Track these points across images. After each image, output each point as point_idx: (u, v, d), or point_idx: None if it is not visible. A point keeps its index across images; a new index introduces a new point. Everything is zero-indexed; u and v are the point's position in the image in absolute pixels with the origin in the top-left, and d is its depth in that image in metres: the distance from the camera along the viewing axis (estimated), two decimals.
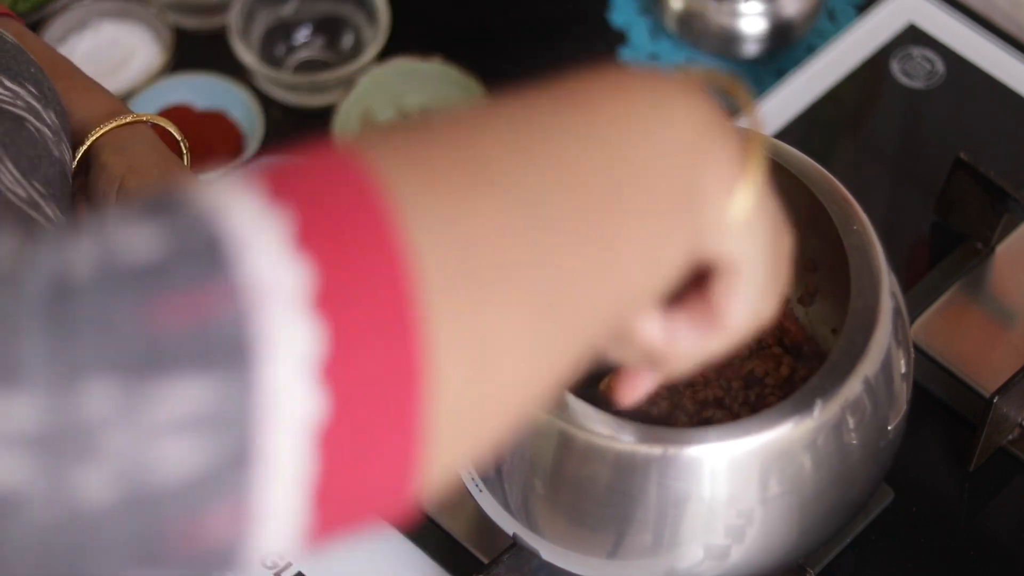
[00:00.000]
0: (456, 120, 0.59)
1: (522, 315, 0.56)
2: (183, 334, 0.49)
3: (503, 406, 0.56)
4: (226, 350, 0.49)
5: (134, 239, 0.50)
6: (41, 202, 0.83)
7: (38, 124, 0.85)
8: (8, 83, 0.85)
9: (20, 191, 0.81)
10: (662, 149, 0.62)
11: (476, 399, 0.54)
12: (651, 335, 0.70)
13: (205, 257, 0.50)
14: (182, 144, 0.99)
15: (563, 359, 0.58)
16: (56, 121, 0.87)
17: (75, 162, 0.93)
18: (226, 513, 0.50)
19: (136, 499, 0.49)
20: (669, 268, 0.63)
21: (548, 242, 0.57)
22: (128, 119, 0.94)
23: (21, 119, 0.84)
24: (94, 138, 0.93)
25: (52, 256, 0.50)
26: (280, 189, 0.52)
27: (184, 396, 0.49)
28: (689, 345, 0.70)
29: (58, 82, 0.93)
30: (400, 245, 0.52)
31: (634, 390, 0.75)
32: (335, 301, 0.51)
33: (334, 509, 0.52)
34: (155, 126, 0.98)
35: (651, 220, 0.61)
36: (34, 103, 0.86)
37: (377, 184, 0.53)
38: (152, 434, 0.49)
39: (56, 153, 0.86)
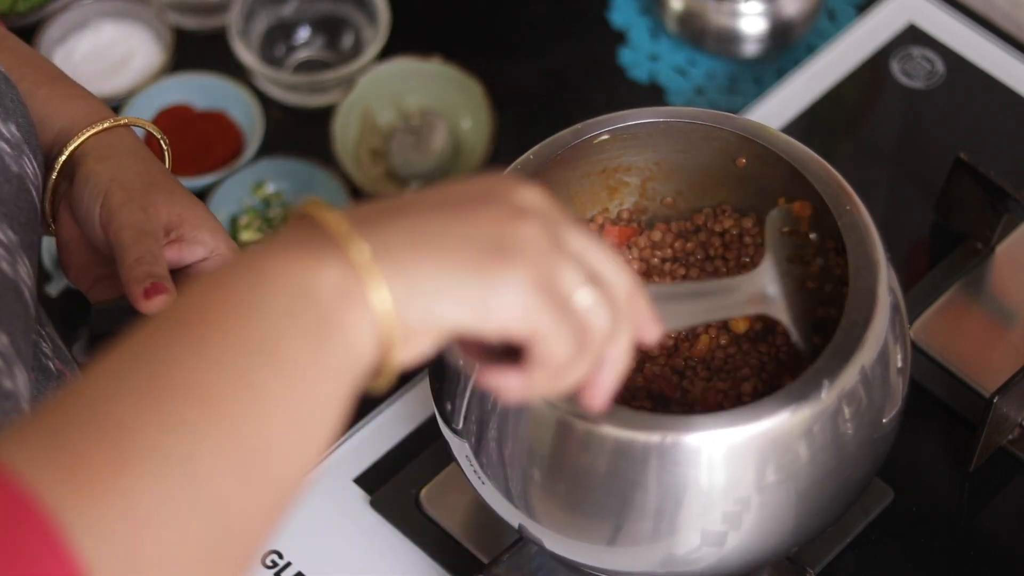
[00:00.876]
0: (84, 382, 0.59)
1: (201, 571, 0.58)
2: None
3: None
4: None
5: None
6: None
7: None
8: None
9: None
10: (285, 338, 0.61)
11: None
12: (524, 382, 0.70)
13: None
14: (162, 143, 0.98)
15: (245, 568, 0.60)
16: (17, 134, 0.86)
17: (56, 171, 0.92)
18: None
19: None
20: (330, 428, 0.63)
21: (203, 495, 0.58)
22: (107, 124, 0.93)
23: None
24: (73, 147, 0.92)
25: None
26: None
27: None
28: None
29: (40, 89, 0.93)
30: (72, 564, 0.54)
31: (592, 395, 0.74)
32: None
33: None
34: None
35: (295, 415, 0.61)
36: None
37: (40, 508, 0.54)
38: None
39: (14, 168, 0.85)
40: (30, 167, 0.87)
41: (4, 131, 0.86)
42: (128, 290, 0.87)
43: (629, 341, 0.72)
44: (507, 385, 0.70)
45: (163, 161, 0.97)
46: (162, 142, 0.98)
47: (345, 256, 0.63)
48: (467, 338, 0.68)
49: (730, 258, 1.02)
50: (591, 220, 1.04)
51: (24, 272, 0.83)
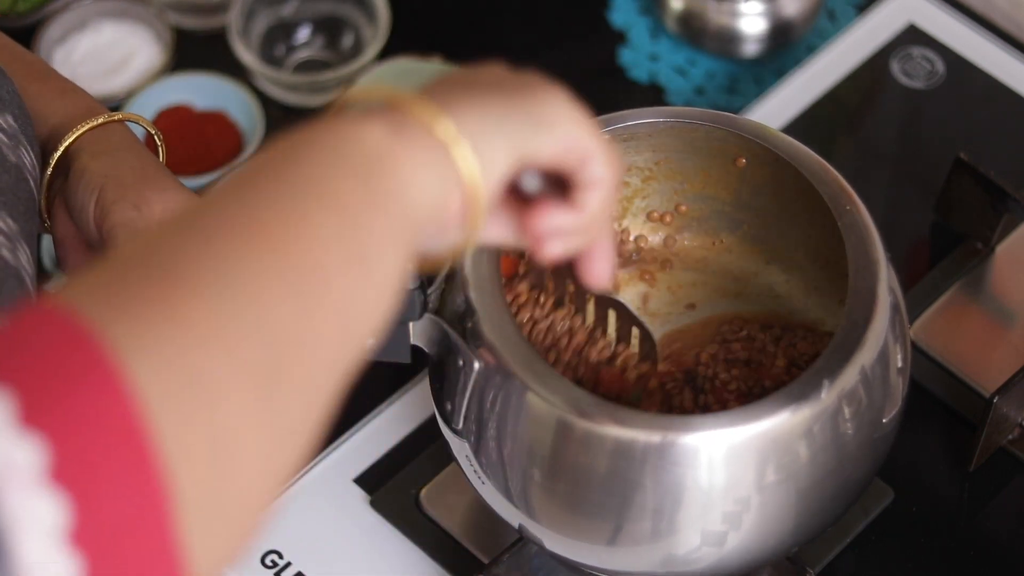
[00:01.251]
0: (142, 235, 0.61)
1: (254, 402, 0.58)
2: None
3: (249, 498, 0.58)
4: None
5: None
6: None
7: None
8: None
9: None
10: (334, 177, 0.64)
11: (223, 504, 0.57)
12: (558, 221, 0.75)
13: None
14: (156, 138, 0.98)
15: (304, 420, 0.60)
16: (14, 124, 0.87)
17: (51, 166, 0.92)
18: None
19: None
20: (390, 272, 0.65)
21: (257, 317, 0.58)
22: (101, 120, 0.93)
23: None
24: (68, 142, 0.92)
25: None
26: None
27: None
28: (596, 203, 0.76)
29: (31, 85, 0.93)
30: (124, 390, 0.54)
31: (599, 266, 0.79)
32: (69, 467, 0.52)
33: None
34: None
35: (348, 246, 0.63)
36: None
37: (90, 334, 0.54)
38: None
39: (12, 158, 0.85)
40: (27, 157, 0.87)
41: (1, 122, 0.86)
42: None
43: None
44: (562, 223, 0.75)
45: (158, 155, 0.97)
46: (156, 137, 0.98)
47: (399, 106, 0.68)
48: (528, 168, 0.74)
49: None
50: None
51: (24, 259, 0.83)
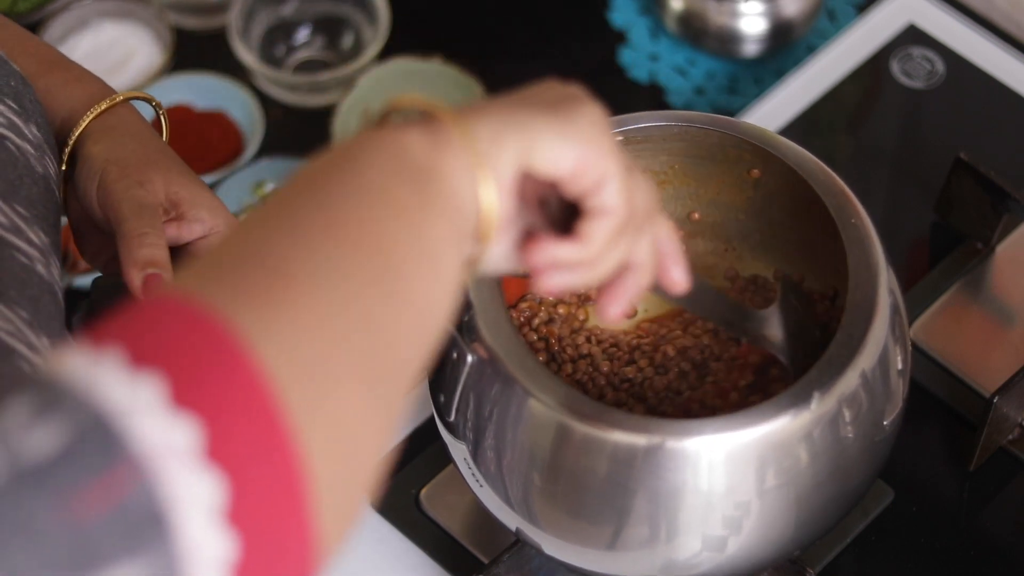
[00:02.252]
0: (237, 232, 0.64)
1: (362, 387, 0.61)
2: (103, 522, 0.52)
3: (363, 474, 0.61)
4: (145, 524, 0.53)
5: (32, 438, 0.53)
6: (23, 226, 0.82)
7: (19, 141, 0.85)
8: None
9: (1, 218, 0.81)
10: (391, 184, 0.66)
11: (344, 481, 0.60)
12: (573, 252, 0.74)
13: (100, 441, 0.53)
14: (161, 115, 0.98)
15: (397, 401, 0.64)
16: (38, 135, 0.87)
17: (64, 161, 0.92)
18: None
19: None
20: (452, 270, 0.68)
21: (358, 309, 0.62)
22: (104, 105, 0.93)
23: (1, 138, 0.84)
24: (77, 133, 0.92)
25: None
26: (139, 352, 0.55)
27: None
28: (600, 238, 0.74)
29: (39, 80, 0.93)
30: (260, 375, 0.56)
31: (611, 305, 0.78)
32: (222, 447, 0.55)
33: None
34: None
35: (416, 246, 0.66)
36: (14, 119, 0.85)
37: (220, 322, 0.57)
38: None
39: (39, 169, 0.86)
40: (52, 166, 0.88)
41: (27, 132, 0.86)
42: (126, 271, 0.88)
43: (652, 249, 0.76)
44: (560, 254, 0.73)
45: (161, 133, 0.97)
46: (160, 114, 0.98)
47: (430, 116, 0.69)
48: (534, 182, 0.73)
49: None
50: None
51: (56, 274, 0.84)
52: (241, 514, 0.54)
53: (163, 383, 0.54)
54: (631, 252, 0.75)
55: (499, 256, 0.75)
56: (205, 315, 0.57)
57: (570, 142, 0.71)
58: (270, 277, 0.60)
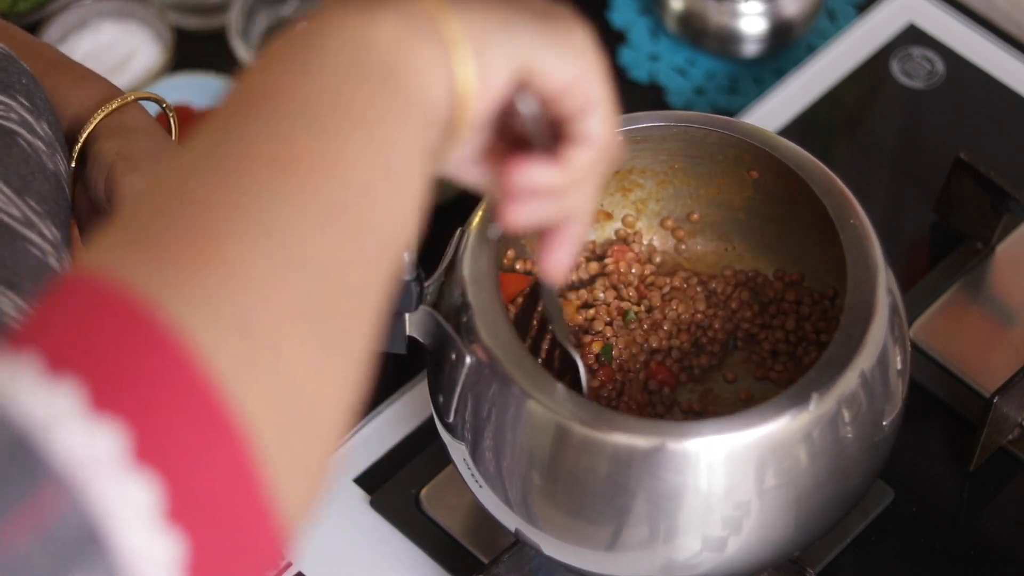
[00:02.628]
0: (157, 181, 0.58)
1: (308, 339, 0.56)
2: (35, 548, 0.50)
3: (323, 437, 0.57)
4: (79, 543, 0.50)
5: None
6: (36, 220, 0.82)
7: (31, 138, 0.85)
8: (0, 96, 0.85)
9: (14, 211, 0.81)
10: (351, 88, 0.61)
11: (301, 449, 0.55)
12: (542, 176, 0.70)
13: (21, 461, 0.50)
14: (170, 115, 0.98)
15: (358, 341, 0.58)
16: (49, 132, 0.87)
17: (74, 159, 0.93)
18: None
19: None
20: (416, 179, 0.62)
21: (298, 251, 0.56)
22: (115, 104, 0.93)
23: (13, 134, 0.84)
24: (87, 131, 0.93)
25: None
26: (55, 355, 0.52)
27: None
28: (580, 163, 0.70)
29: (46, 78, 0.93)
30: (185, 351, 0.52)
31: (560, 254, 0.74)
32: (151, 445, 0.51)
33: None
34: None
35: (375, 160, 0.60)
36: (27, 116, 0.85)
37: (138, 301, 0.53)
38: None
39: (50, 166, 0.86)
40: (63, 164, 0.88)
41: (39, 129, 0.86)
42: None
43: (594, 198, 0.73)
44: (539, 177, 0.69)
45: (170, 132, 0.97)
46: (169, 114, 0.98)
47: (403, 3, 0.63)
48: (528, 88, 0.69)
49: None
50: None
51: (68, 267, 0.84)
52: (184, 511, 0.51)
53: (82, 387, 0.51)
54: (583, 198, 0.72)
55: (459, 162, 0.71)
56: (119, 296, 0.53)
57: (569, 57, 0.68)
58: (194, 234, 0.55)
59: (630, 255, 1.02)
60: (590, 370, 0.98)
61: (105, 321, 0.52)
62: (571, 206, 0.72)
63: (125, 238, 0.56)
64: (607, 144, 0.71)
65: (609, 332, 1.00)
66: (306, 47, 0.61)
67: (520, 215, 0.71)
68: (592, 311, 1.01)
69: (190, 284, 0.54)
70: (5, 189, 0.81)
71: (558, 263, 0.74)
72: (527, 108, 0.69)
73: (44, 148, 0.86)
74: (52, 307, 0.54)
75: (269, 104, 0.59)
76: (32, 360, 0.52)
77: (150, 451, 0.51)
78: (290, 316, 0.55)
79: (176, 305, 0.53)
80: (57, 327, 0.53)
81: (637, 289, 1.02)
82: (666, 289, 1.02)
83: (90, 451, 0.50)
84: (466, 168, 0.73)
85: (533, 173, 0.70)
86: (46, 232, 0.83)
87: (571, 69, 0.68)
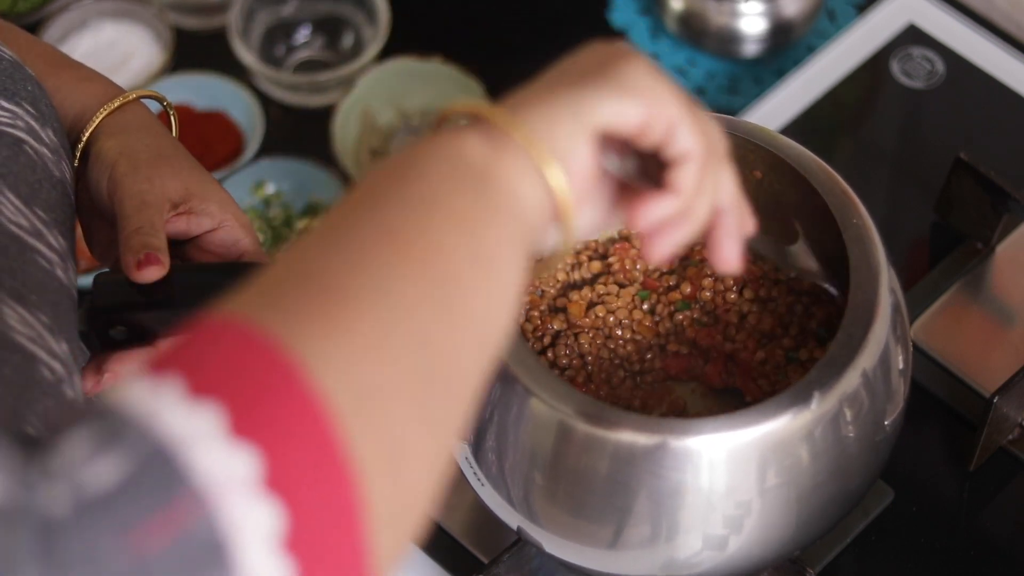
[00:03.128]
0: (291, 250, 0.64)
1: (415, 406, 0.61)
2: (164, 553, 0.53)
3: (419, 496, 0.61)
4: (205, 555, 0.54)
5: (94, 470, 0.54)
6: (44, 230, 0.83)
7: (37, 145, 0.85)
8: (6, 104, 0.84)
9: (23, 220, 0.81)
10: (450, 193, 0.66)
11: (400, 503, 0.60)
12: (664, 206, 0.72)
13: (161, 472, 0.54)
14: (171, 113, 0.98)
15: (455, 419, 0.64)
16: (55, 139, 0.87)
17: (76, 159, 0.93)
18: None
19: None
20: (512, 275, 0.67)
21: (411, 327, 0.62)
22: (117, 103, 0.93)
23: (20, 142, 0.84)
24: (89, 131, 0.93)
25: (37, 495, 0.54)
26: (197, 381, 0.56)
27: None
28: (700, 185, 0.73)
29: (47, 80, 0.93)
30: (316, 401, 0.57)
31: (724, 250, 0.76)
32: (281, 476, 0.55)
33: None
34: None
35: (474, 255, 0.65)
36: (33, 123, 0.86)
37: (277, 346, 0.58)
38: None
39: (56, 174, 0.86)
40: (68, 171, 0.88)
41: (44, 137, 0.86)
42: (123, 260, 0.88)
43: (735, 185, 0.75)
44: (660, 210, 0.72)
45: (170, 129, 0.97)
46: (170, 113, 0.98)
47: (483, 118, 0.69)
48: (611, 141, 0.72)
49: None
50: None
51: (73, 278, 0.84)
52: (299, 541, 0.55)
53: (222, 412, 0.55)
54: (718, 194, 0.74)
55: (591, 221, 0.75)
56: (261, 340, 0.57)
57: (628, 99, 0.70)
58: (325, 297, 0.60)
59: (633, 252, 1.02)
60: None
61: (245, 357, 0.57)
62: (705, 212, 0.74)
63: (266, 293, 0.61)
64: (704, 149, 0.73)
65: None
66: (407, 161, 0.67)
67: (662, 249, 0.73)
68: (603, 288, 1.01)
69: (320, 336, 0.59)
70: (14, 200, 0.81)
71: (730, 257, 0.76)
72: (613, 167, 0.73)
73: (50, 155, 0.86)
74: (195, 339, 0.58)
75: (381, 202, 0.65)
76: (176, 382, 0.56)
77: (279, 480, 0.55)
78: (401, 384, 0.60)
79: (308, 353, 0.58)
80: (200, 357, 0.57)
81: (644, 284, 1.02)
82: (673, 281, 1.02)
83: (227, 471, 0.54)
84: (603, 224, 0.76)
85: (651, 213, 0.72)
86: (53, 242, 0.83)
87: (635, 109, 0.70)
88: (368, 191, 0.66)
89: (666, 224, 0.73)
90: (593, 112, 0.70)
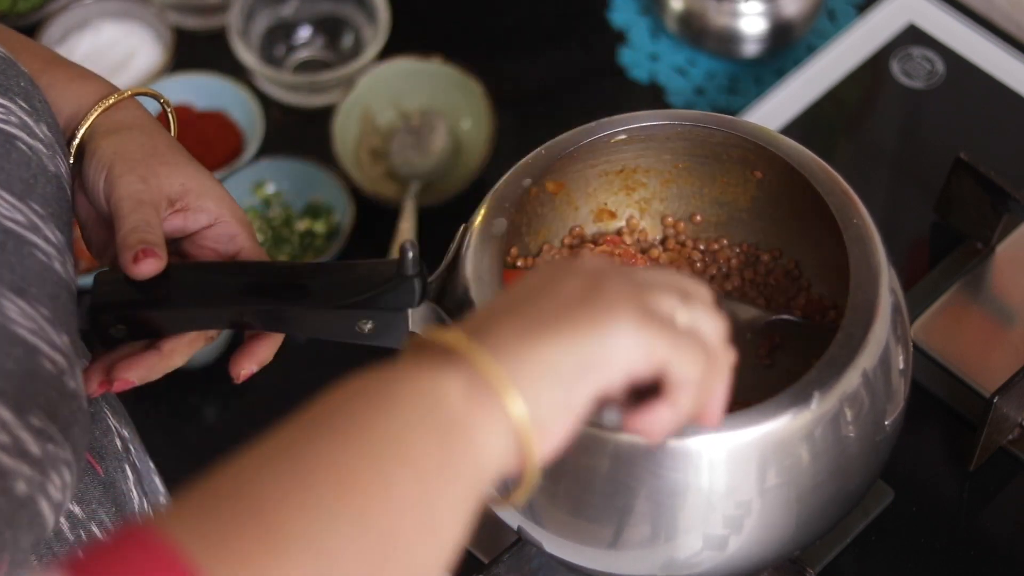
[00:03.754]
0: (237, 464, 0.63)
1: None
2: None
3: None
4: None
5: None
6: (40, 224, 0.83)
7: (31, 141, 0.85)
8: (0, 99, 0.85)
9: (19, 216, 0.81)
10: (414, 438, 0.65)
11: None
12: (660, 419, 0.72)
13: None
14: (168, 111, 0.98)
15: None
16: (49, 134, 0.87)
17: (71, 156, 0.93)
18: None
19: None
20: (457, 533, 0.66)
21: (332, 569, 0.61)
22: (112, 100, 0.93)
23: (13, 137, 0.84)
24: (84, 129, 0.93)
25: None
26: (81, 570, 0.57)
27: None
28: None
29: (41, 77, 0.93)
30: None
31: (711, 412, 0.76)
32: None
33: None
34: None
35: (423, 515, 0.64)
36: (26, 118, 0.85)
37: (184, 564, 0.58)
38: None
39: (51, 168, 0.86)
40: (63, 166, 0.88)
41: (38, 132, 0.86)
42: (120, 258, 0.88)
43: (728, 347, 0.75)
44: (660, 419, 0.72)
45: (169, 128, 0.97)
46: (167, 111, 0.98)
47: (470, 364, 0.67)
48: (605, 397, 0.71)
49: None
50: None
51: (71, 272, 0.84)
52: None
53: None
54: (714, 392, 0.74)
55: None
56: (172, 557, 0.58)
57: (616, 366, 0.69)
58: (247, 522, 0.60)
59: (624, 246, 1.03)
60: None
61: (142, 562, 0.58)
62: (702, 402, 0.73)
63: (191, 506, 0.61)
64: (698, 378, 0.72)
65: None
66: (377, 388, 0.66)
67: (655, 437, 0.73)
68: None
69: (235, 565, 0.59)
70: (8, 196, 0.81)
71: (714, 417, 0.76)
72: (612, 422, 0.73)
73: (44, 150, 0.86)
74: (115, 552, 0.59)
75: (342, 428, 0.64)
76: None
77: None
78: None
79: (212, 568, 0.58)
80: (97, 560, 0.58)
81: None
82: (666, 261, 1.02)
83: None
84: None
85: (660, 420, 0.72)
86: (50, 235, 0.83)
87: (626, 371, 0.70)
88: (330, 415, 0.65)
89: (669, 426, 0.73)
90: (588, 388, 0.69)
